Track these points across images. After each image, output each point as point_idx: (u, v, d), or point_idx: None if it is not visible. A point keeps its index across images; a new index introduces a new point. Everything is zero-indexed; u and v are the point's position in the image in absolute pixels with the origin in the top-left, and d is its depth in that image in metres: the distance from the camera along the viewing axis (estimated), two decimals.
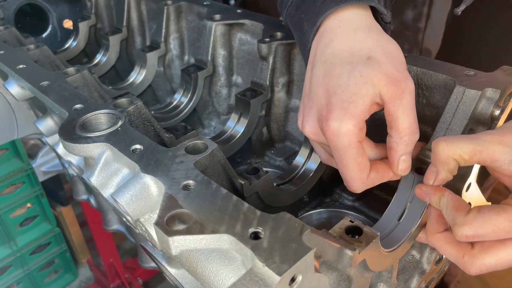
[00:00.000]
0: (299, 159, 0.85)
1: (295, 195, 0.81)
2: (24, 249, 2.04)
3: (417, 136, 0.59)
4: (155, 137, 0.77)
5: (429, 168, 0.57)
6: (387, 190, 0.85)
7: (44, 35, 1.43)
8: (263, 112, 0.96)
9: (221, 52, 1.06)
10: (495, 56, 1.09)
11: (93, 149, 0.61)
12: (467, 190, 0.63)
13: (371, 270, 0.56)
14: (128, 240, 1.52)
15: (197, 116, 1.11)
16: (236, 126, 0.95)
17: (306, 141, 0.85)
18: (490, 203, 0.60)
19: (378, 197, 0.87)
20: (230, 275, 0.47)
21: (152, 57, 1.16)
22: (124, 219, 0.62)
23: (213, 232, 0.44)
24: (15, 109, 1.20)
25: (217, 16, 1.04)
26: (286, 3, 0.73)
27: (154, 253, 0.69)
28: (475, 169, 0.64)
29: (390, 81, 0.56)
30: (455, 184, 0.61)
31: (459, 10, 0.92)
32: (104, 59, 1.28)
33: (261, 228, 0.44)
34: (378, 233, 0.53)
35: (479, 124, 0.66)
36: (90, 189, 1.15)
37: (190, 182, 0.51)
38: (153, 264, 0.94)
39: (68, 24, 1.45)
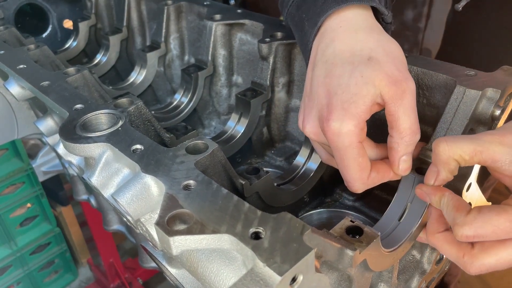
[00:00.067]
0: (300, 159, 0.85)
1: (296, 195, 0.81)
2: (24, 249, 2.04)
3: (418, 136, 0.59)
4: (156, 137, 0.77)
5: (429, 168, 0.57)
6: (387, 190, 0.85)
7: (44, 35, 1.43)
8: (264, 112, 0.96)
9: (221, 52, 1.06)
10: (495, 56, 1.09)
11: (94, 149, 0.61)
12: (467, 190, 0.63)
13: (371, 270, 0.56)
14: (128, 240, 1.52)
15: (198, 116, 1.11)
16: (237, 126, 0.95)
17: (306, 141, 0.85)
18: (490, 203, 0.60)
19: (379, 197, 0.87)
20: (230, 275, 0.47)
21: (152, 57, 1.16)
22: (125, 219, 0.62)
23: (214, 232, 0.44)
24: (15, 109, 1.20)
25: (217, 16, 1.04)
26: (287, 3, 0.73)
27: (155, 253, 0.69)
28: (476, 169, 0.64)
29: (391, 81, 0.56)
30: (456, 184, 0.61)
31: (460, 6, 0.92)
32: (104, 59, 1.28)
33: (261, 228, 0.44)
34: (379, 233, 0.53)
35: (480, 124, 0.66)
36: (90, 189, 1.15)
37: (191, 182, 0.51)
38: (153, 264, 0.94)
39: (68, 24, 1.45)
